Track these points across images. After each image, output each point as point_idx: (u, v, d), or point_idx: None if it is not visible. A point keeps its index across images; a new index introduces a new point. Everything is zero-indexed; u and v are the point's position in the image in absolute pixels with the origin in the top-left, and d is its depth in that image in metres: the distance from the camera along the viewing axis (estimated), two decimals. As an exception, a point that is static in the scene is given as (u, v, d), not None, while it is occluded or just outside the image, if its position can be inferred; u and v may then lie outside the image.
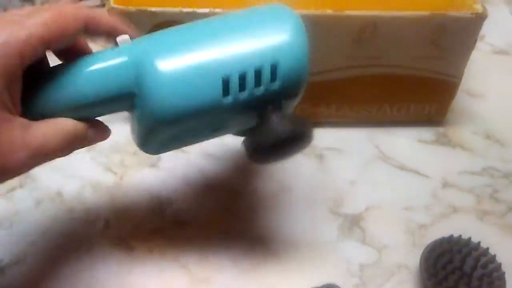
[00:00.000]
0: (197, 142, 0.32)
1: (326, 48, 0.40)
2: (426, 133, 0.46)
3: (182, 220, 0.39)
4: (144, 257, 0.37)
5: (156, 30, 0.34)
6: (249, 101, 0.28)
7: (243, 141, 0.30)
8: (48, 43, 0.25)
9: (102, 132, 0.30)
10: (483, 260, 0.35)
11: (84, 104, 0.27)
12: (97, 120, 0.30)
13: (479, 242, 0.35)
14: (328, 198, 0.41)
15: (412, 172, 0.43)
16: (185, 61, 0.27)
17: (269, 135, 0.29)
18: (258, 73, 0.28)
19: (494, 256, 0.35)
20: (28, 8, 0.27)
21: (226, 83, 0.27)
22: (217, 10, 0.38)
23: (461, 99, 0.48)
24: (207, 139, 0.32)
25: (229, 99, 0.28)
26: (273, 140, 0.29)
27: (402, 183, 0.42)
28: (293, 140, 0.29)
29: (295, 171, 0.43)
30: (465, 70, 0.43)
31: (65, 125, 0.27)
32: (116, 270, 0.36)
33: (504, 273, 0.34)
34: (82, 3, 0.28)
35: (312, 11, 0.38)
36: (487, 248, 0.35)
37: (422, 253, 0.35)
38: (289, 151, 0.30)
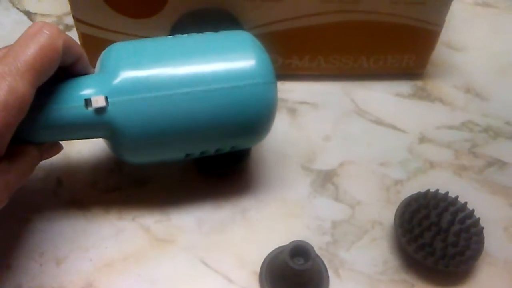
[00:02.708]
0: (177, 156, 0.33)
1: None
2: (404, 86, 0.44)
3: (141, 178, 0.36)
4: (100, 218, 0.34)
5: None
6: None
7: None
8: (35, 86, 0.26)
9: (58, 150, 0.32)
10: (461, 215, 0.33)
11: (54, 134, 0.30)
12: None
13: (456, 197, 0.34)
14: (300, 154, 0.38)
15: (389, 127, 0.41)
16: (153, 128, 0.30)
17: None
18: (217, 150, 0.33)
19: (473, 211, 0.33)
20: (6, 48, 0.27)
21: (186, 155, 0.32)
22: None
23: (441, 52, 0.46)
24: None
25: (188, 158, 0.33)
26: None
27: (378, 138, 0.40)
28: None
29: (265, 126, 0.40)
30: (447, 22, 0.40)
31: (33, 155, 0.29)
32: (70, 232, 0.33)
33: (482, 228, 0.33)
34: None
35: None
36: (465, 203, 0.34)
37: (397, 208, 0.33)
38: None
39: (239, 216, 0.35)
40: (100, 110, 0.29)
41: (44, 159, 0.31)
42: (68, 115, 0.29)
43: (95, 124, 0.29)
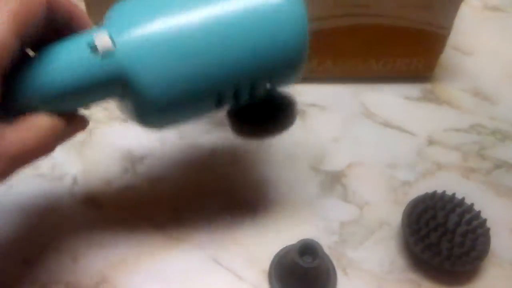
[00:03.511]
0: (199, 116, 0.30)
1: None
2: (413, 89, 0.44)
3: (155, 177, 0.37)
4: (114, 215, 0.35)
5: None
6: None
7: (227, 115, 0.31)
8: (19, 36, 0.24)
9: (82, 124, 0.29)
10: (467, 216, 0.33)
11: (62, 96, 0.25)
12: (75, 113, 0.28)
13: (463, 198, 0.34)
14: (309, 155, 0.39)
15: (397, 129, 0.41)
16: (177, 67, 0.26)
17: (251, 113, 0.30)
18: (252, 86, 0.28)
19: (479, 212, 0.34)
20: None
21: (219, 99, 0.27)
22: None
23: (449, 56, 0.46)
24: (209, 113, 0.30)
25: (220, 106, 0.28)
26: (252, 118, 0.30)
27: (386, 140, 0.41)
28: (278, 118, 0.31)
29: (275, 128, 0.41)
30: (455, 26, 0.41)
31: (43, 124, 0.25)
32: (84, 229, 0.34)
33: (488, 229, 0.33)
34: None
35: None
36: (472, 204, 0.34)
37: (405, 209, 0.34)
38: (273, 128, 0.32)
39: (250, 215, 0.35)
40: (108, 54, 0.25)
41: (70, 136, 0.28)
42: (71, 68, 0.25)
43: (105, 75, 0.25)
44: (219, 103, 0.28)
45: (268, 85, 0.29)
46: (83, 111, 0.28)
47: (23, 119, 0.25)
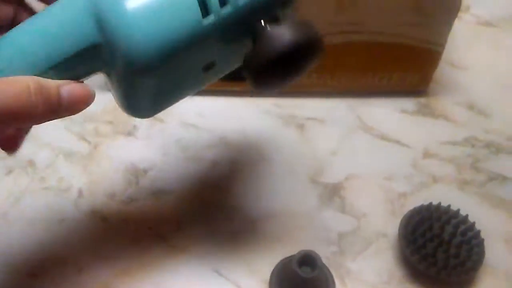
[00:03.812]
0: (191, 90, 0.27)
1: (307, 13, 0.38)
2: (408, 103, 0.45)
3: (158, 190, 0.38)
4: (119, 227, 0.36)
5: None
6: (235, 17, 0.24)
7: (243, 65, 0.25)
8: None
9: (83, 92, 0.24)
10: (462, 227, 0.34)
11: (45, 68, 0.24)
12: (72, 81, 0.24)
13: (458, 210, 0.35)
14: (308, 168, 0.40)
15: (393, 142, 0.43)
16: None
17: (267, 49, 0.24)
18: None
19: (473, 223, 0.35)
20: None
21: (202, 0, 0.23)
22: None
23: (444, 70, 0.48)
24: (200, 86, 0.28)
25: (210, 18, 0.23)
26: (273, 53, 0.24)
27: (383, 153, 0.42)
28: (299, 50, 0.25)
29: (275, 141, 0.42)
30: (449, 41, 0.42)
31: (25, 80, 0.22)
32: (89, 241, 0.35)
33: (483, 240, 0.34)
34: None
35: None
36: (466, 216, 0.35)
37: (401, 220, 0.35)
38: (297, 65, 0.26)
39: (251, 227, 0.36)
40: None
41: (70, 108, 0.24)
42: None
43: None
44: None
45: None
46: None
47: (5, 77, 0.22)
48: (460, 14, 0.40)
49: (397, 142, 0.43)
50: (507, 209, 0.38)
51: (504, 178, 0.40)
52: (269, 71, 0.25)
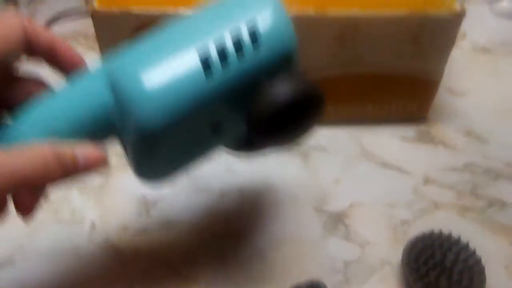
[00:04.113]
0: (200, 154, 0.29)
1: (309, 48, 0.40)
2: (409, 130, 0.47)
3: (168, 221, 0.39)
4: (131, 258, 0.37)
5: (139, 32, 0.34)
6: (238, 78, 0.25)
7: (246, 122, 0.27)
8: None
9: (97, 154, 0.25)
10: (463, 254, 0.35)
11: (61, 132, 0.25)
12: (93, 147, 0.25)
13: (459, 237, 0.36)
14: (313, 196, 0.41)
15: (395, 169, 0.44)
16: (164, 62, 0.25)
17: (265, 106, 0.25)
18: (236, 39, 0.25)
19: (474, 250, 0.36)
20: None
21: (204, 60, 0.25)
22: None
23: (442, 97, 0.49)
24: (209, 150, 0.29)
25: (214, 78, 0.25)
26: (271, 109, 0.25)
27: (385, 180, 0.43)
28: (297, 106, 0.26)
29: (280, 170, 0.43)
30: (447, 68, 0.44)
31: (41, 148, 0.23)
32: (103, 272, 0.36)
33: (484, 267, 0.35)
34: (23, 13, 0.27)
35: (294, 12, 0.38)
36: (467, 243, 0.36)
37: (404, 248, 0.36)
38: (297, 120, 0.27)
39: (258, 255, 0.38)
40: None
41: (86, 169, 0.25)
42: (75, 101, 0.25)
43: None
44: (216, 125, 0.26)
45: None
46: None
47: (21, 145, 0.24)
48: (457, 41, 0.41)
49: (399, 169, 0.44)
50: (507, 234, 0.39)
51: (503, 204, 0.41)
52: (270, 127, 0.26)
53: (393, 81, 0.43)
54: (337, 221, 0.40)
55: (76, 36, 0.55)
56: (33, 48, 0.26)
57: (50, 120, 0.25)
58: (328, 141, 0.46)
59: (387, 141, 0.46)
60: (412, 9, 0.39)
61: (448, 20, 0.40)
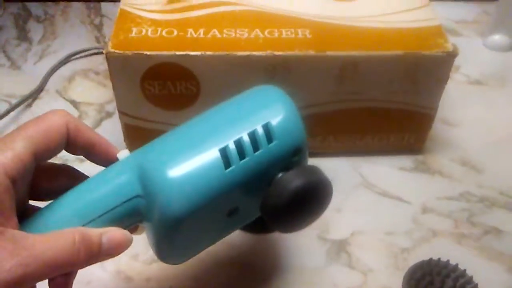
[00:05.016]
0: (217, 237, 0.32)
1: (311, 85, 0.43)
2: (406, 161, 0.49)
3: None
4: (142, 285, 0.39)
5: (151, 72, 0.38)
6: (254, 169, 0.29)
7: (260, 209, 0.30)
8: (34, 156, 0.26)
9: (121, 238, 0.27)
10: (461, 281, 0.37)
11: (91, 219, 0.27)
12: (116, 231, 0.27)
13: (457, 264, 0.38)
14: (316, 225, 0.43)
15: (394, 198, 0.46)
16: (188, 157, 0.28)
17: (278, 194, 0.29)
18: (252, 137, 0.29)
19: (471, 277, 0.37)
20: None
21: (224, 154, 0.28)
22: (208, 53, 0.41)
23: (438, 128, 0.51)
24: (226, 232, 0.32)
25: (233, 170, 0.28)
26: (284, 198, 0.29)
27: (385, 209, 0.45)
28: (307, 194, 0.30)
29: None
30: (442, 100, 0.46)
31: (71, 232, 0.25)
32: (115, 299, 0.38)
33: (480, 293, 0.37)
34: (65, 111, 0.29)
35: (296, 53, 0.41)
36: (465, 270, 0.38)
37: (404, 276, 0.38)
38: (309, 207, 0.31)
39: (263, 283, 0.39)
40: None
41: (110, 253, 0.27)
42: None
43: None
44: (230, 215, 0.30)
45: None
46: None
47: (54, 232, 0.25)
48: (450, 74, 0.44)
49: (398, 198, 0.46)
50: (503, 261, 0.41)
51: (499, 232, 0.43)
52: (283, 214, 0.29)
53: (391, 115, 0.46)
54: (339, 249, 0.41)
55: (87, 72, 0.57)
56: (72, 147, 0.28)
57: (82, 210, 0.27)
58: (329, 172, 0.47)
59: (386, 171, 0.48)
60: (407, 49, 0.42)
61: (441, 59, 0.42)
